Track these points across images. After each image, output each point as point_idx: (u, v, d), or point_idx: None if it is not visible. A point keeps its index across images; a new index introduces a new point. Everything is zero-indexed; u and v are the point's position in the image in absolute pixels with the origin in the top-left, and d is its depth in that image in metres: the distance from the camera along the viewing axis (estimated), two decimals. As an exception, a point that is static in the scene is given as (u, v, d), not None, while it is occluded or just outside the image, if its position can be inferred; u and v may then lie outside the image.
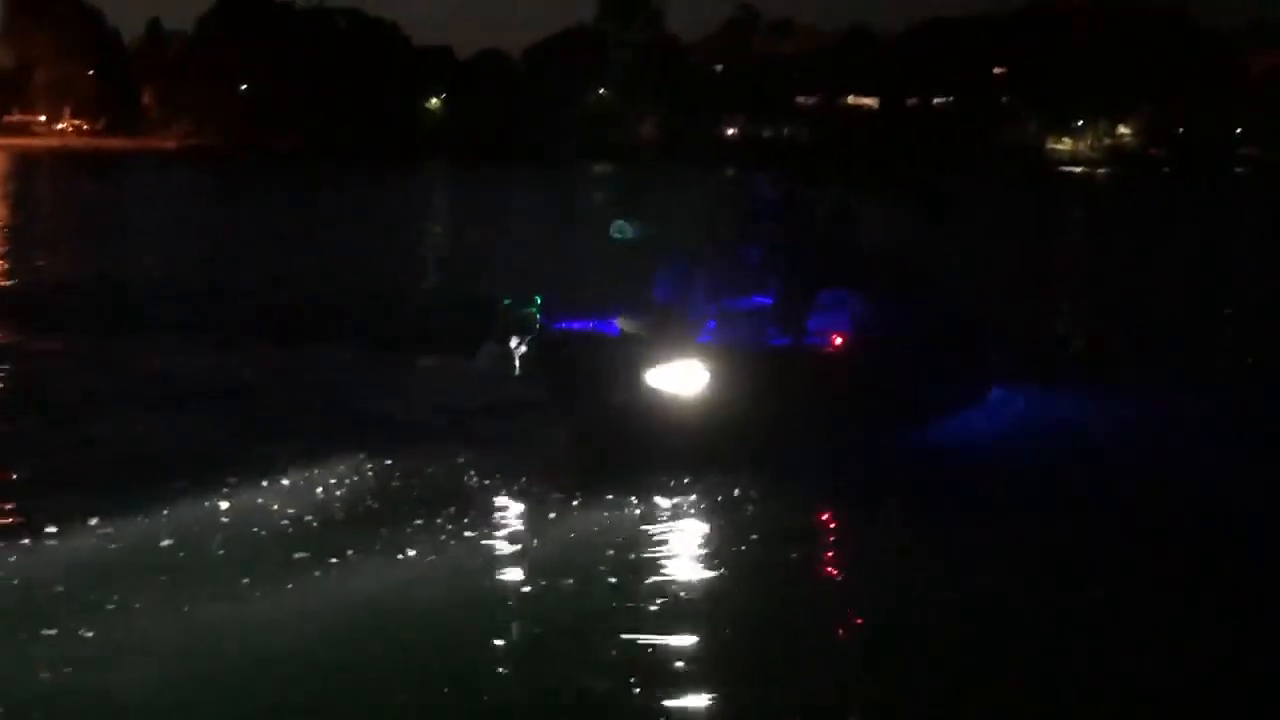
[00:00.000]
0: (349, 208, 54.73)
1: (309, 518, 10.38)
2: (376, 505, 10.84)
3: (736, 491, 11.39)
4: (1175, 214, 61.88)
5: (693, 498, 11.37)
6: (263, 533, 10.07)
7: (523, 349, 12.07)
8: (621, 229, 13.85)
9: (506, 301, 12.40)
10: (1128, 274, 33.39)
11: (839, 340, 12.92)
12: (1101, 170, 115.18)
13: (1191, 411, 15.45)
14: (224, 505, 10.65)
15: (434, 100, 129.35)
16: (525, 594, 9.36)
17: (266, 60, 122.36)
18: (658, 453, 12.00)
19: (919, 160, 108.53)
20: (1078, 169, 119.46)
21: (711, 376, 12.04)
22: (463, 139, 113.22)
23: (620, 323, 12.95)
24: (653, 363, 12.09)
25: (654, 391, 12.07)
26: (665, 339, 12.38)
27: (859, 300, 13.43)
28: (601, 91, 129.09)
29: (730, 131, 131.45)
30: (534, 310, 12.31)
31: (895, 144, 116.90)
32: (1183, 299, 28.48)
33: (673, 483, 11.55)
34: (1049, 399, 15.52)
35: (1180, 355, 20.40)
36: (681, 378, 12.02)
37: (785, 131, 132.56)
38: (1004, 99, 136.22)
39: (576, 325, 13.00)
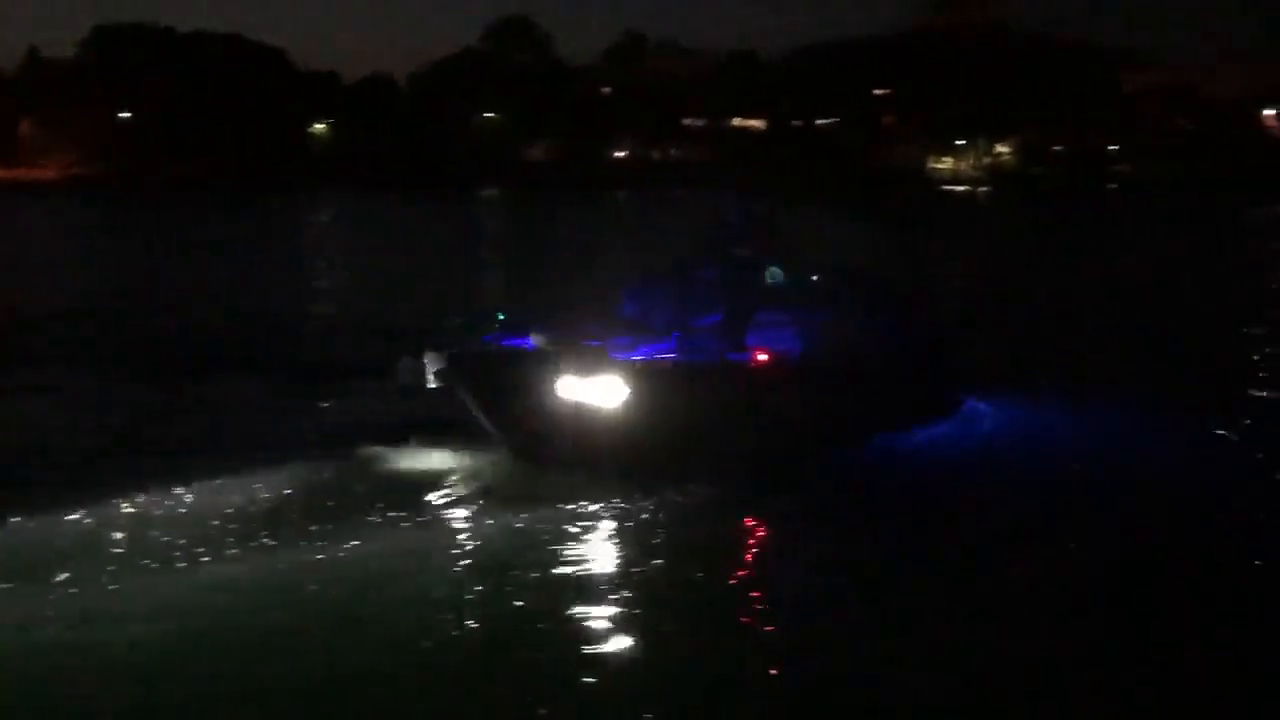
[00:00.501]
0: (239, 238, 54.04)
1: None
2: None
3: (647, 503, 11.67)
4: (1053, 229, 63.30)
5: (597, 507, 11.65)
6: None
7: (436, 364, 12.50)
8: (774, 274, 14.52)
9: (458, 321, 13.16)
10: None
11: (763, 357, 13.19)
12: (982, 189, 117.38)
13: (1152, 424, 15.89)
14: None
15: (320, 125, 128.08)
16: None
17: (149, 87, 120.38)
18: (577, 463, 12.38)
19: (805, 180, 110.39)
20: (959, 188, 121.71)
21: (632, 390, 12.39)
22: (351, 165, 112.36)
23: (535, 339, 13.16)
24: (573, 376, 12.38)
25: (574, 404, 12.40)
26: (585, 354, 12.62)
27: (801, 318, 13.75)
28: (490, 115, 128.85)
29: (620, 154, 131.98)
30: (494, 326, 13.09)
31: (781, 164, 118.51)
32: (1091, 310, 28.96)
33: (579, 493, 11.89)
34: (1015, 411, 15.87)
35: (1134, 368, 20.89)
36: (602, 391, 12.37)
37: (674, 153, 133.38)
38: (886, 120, 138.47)
39: (507, 341, 13.25)
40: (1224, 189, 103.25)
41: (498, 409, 12.80)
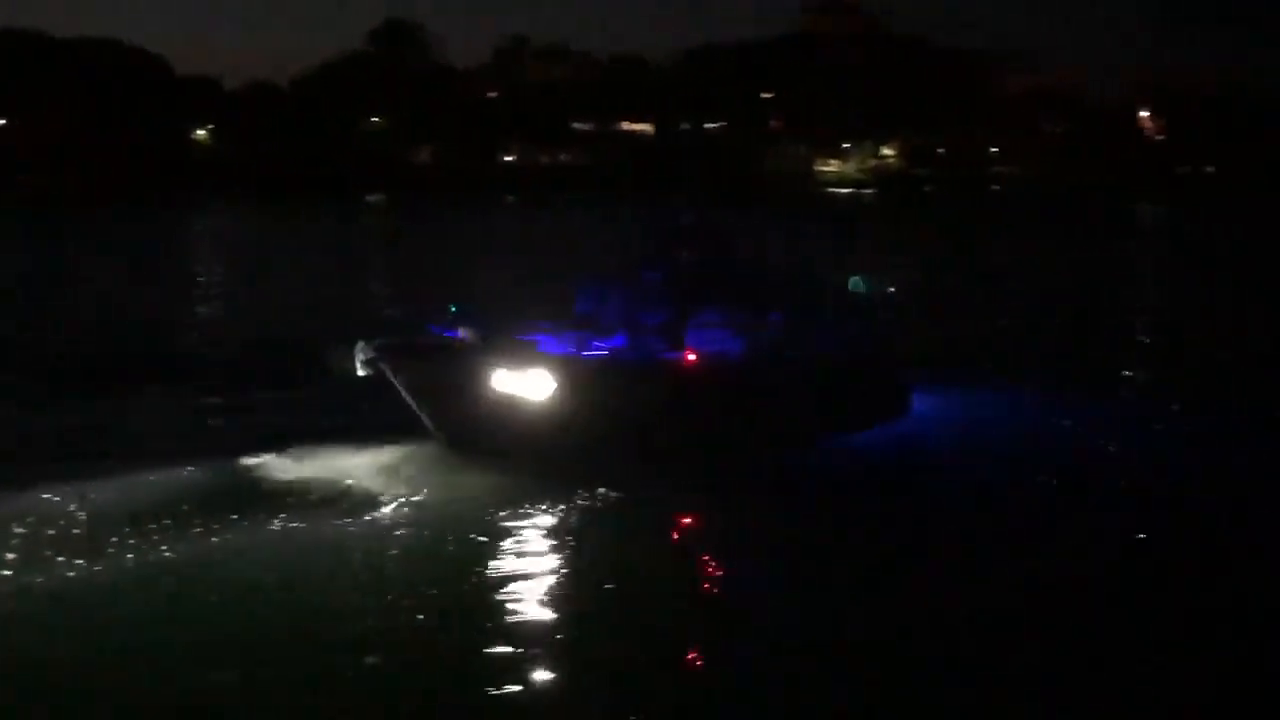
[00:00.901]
0: (120, 251, 52.78)
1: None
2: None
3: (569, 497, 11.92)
4: (942, 229, 64.19)
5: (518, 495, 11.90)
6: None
7: (365, 354, 12.88)
8: (856, 284, 15.32)
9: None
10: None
11: (692, 357, 13.44)
12: (868, 191, 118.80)
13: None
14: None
15: (201, 132, 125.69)
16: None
17: (18, 94, 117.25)
18: (507, 453, 12.72)
19: (694, 184, 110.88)
20: (845, 190, 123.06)
21: (559, 384, 12.71)
22: (233, 172, 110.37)
23: (464, 332, 13.38)
24: (504, 369, 12.71)
25: (505, 396, 12.71)
26: (515, 347, 12.99)
27: (738, 319, 14.00)
28: (376, 120, 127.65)
29: (508, 158, 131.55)
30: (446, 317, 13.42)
31: (669, 167, 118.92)
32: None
33: (473, 490, 12.13)
34: (958, 408, 16.37)
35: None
36: (531, 384, 12.68)
37: (563, 157, 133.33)
38: (773, 123, 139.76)
39: (449, 333, 13.48)
40: (1101, 189, 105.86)
41: (429, 399, 13.10)
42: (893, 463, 14.09)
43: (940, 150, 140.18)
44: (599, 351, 13.63)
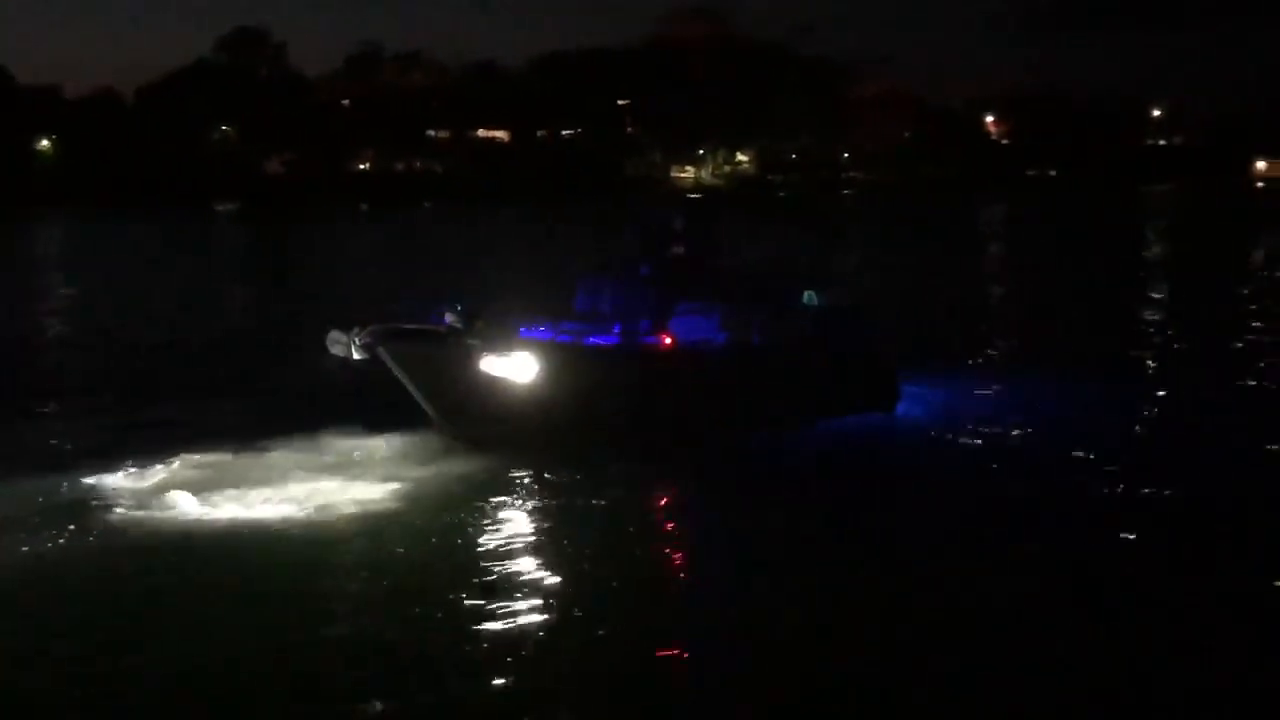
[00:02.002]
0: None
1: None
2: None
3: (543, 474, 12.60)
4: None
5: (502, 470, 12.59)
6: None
7: (360, 338, 13.36)
8: (810, 298, 15.87)
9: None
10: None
11: (668, 341, 14.28)
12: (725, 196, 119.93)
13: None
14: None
15: (45, 143, 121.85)
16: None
17: None
18: (495, 431, 13.47)
19: (554, 189, 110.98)
20: (701, 195, 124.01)
21: (542, 367, 13.37)
22: (79, 183, 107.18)
23: (449, 318, 13.75)
24: (492, 353, 13.35)
25: (493, 378, 13.36)
26: (502, 332, 13.63)
27: (719, 310, 14.80)
28: (225, 129, 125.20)
29: (362, 166, 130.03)
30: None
31: (528, 174, 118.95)
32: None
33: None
34: (945, 403, 16.67)
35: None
36: (515, 366, 13.35)
37: (418, 164, 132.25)
38: (629, 129, 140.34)
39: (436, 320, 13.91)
40: (948, 190, 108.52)
41: (423, 381, 13.72)
42: (869, 449, 14.59)
43: (794, 156, 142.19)
44: (584, 337, 14.40)
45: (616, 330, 14.45)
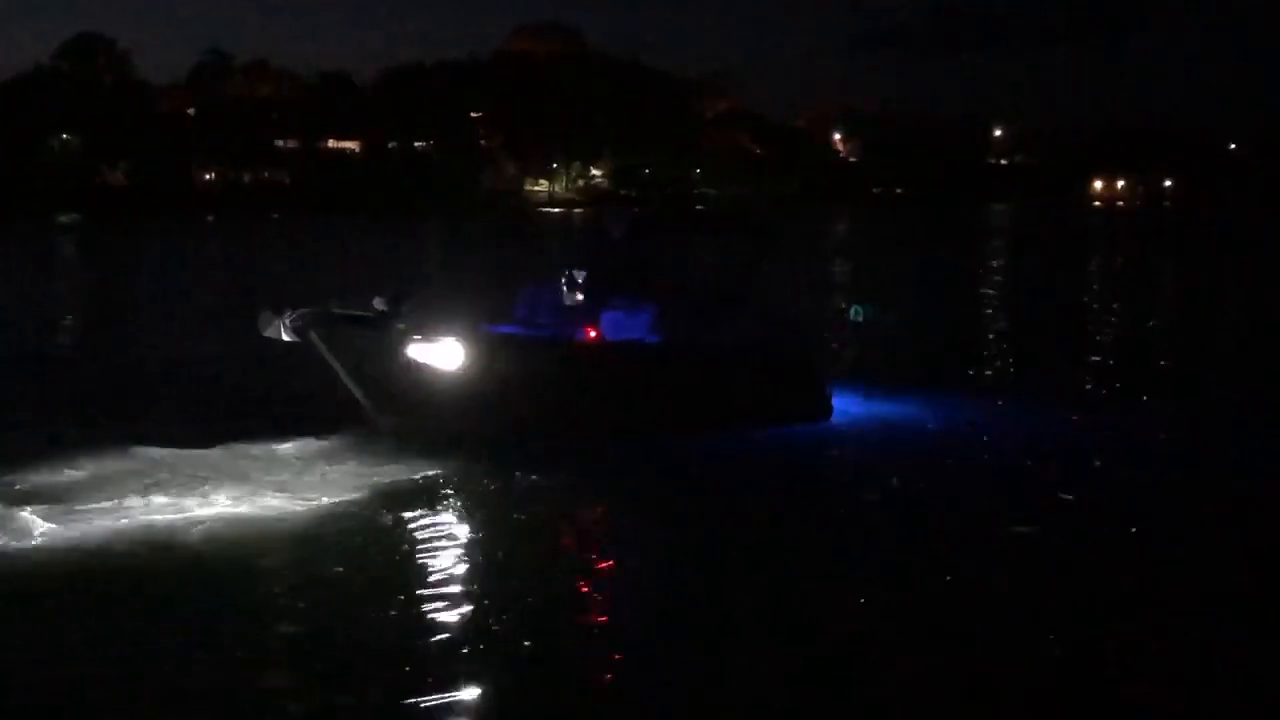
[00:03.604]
0: None
1: None
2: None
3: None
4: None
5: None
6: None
7: (291, 320, 13.29)
8: (857, 311, 16.18)
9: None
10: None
11: (591, 334, 14.38)
12: (578, 210, 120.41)
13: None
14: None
15: None
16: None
17: None
18: (421, 422, 13.56)
19: (406, 200, 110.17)
20: (555, 210, 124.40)
21: (468, 354, 13.49)
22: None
23: (377, 302, 13.76)
24: (419, 339, 13.43)
25: (419, 365, 13.46)
26: (429, 319, 13.67)
27: (651, 310, 14.86)
28: (67, 137, 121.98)
29: (208, 176, 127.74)
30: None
31: (379, 185, 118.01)
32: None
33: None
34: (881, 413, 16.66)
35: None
36: (441, 353, 13.45)
37: (265, 175, 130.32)
38: (483, 142, 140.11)
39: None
40: (794, 205, 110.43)
41: (351, 365, 13.70)
42: (800, 459, 14.61)
43: (647, 171, 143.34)
44: (512, 329, 14.57)
45: (542, 323, 14.71)
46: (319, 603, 9.45)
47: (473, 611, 9.33)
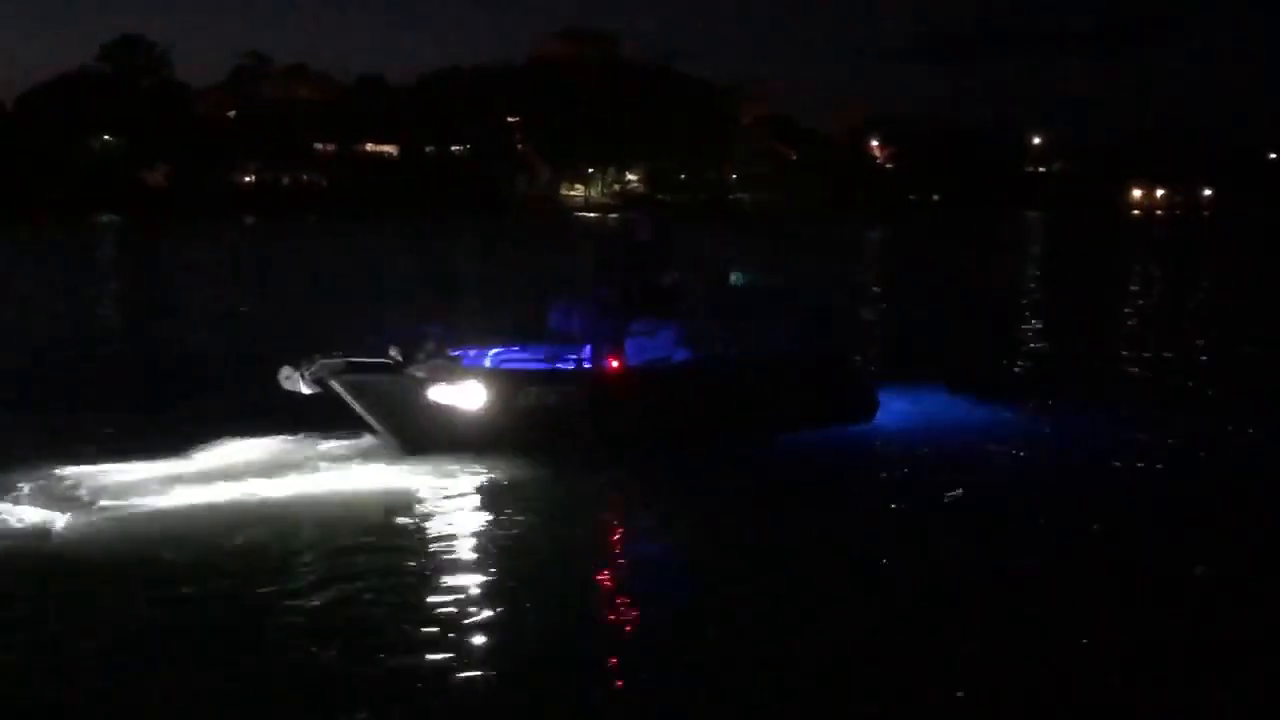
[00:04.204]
0: None
1: None
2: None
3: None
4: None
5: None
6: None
7: (310, 373, 13.75)
8: (738, 279, 15.92)
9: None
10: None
11: (615, 364, 14.55)
12: (613, 215, 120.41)
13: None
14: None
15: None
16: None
17: None
18: (444, 457, 13.79)
19: (441, 204, 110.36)
20: (591, 214, 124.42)
21: (489, 393, 13.95)
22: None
23: (392, 351, 14.17)
24: (441, 383, 13.87)
25: (443, 406, 13.89)
26: (446, 363, 14.10)
27: (673, 329, 15.01)
28: (107, 138, 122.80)
29: (246, 179, 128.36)
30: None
31: (415, 189, 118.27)
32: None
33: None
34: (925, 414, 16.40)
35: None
36: (464, 395, 13.91)
37: (304, 178, 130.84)
38: (518, 147, 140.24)
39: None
40: (831, 213, 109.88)
41: (380, 412, 14.15)
42: (844, 463, 14.51)
43: (682, 176, 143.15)
44: (524, 363, 14.85)
45: (570, 355, 14.79)
46: (334, 598, 9.56)
47: (500, 608, 9.46)
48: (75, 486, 12.44)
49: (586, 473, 13.55)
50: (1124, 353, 24.82)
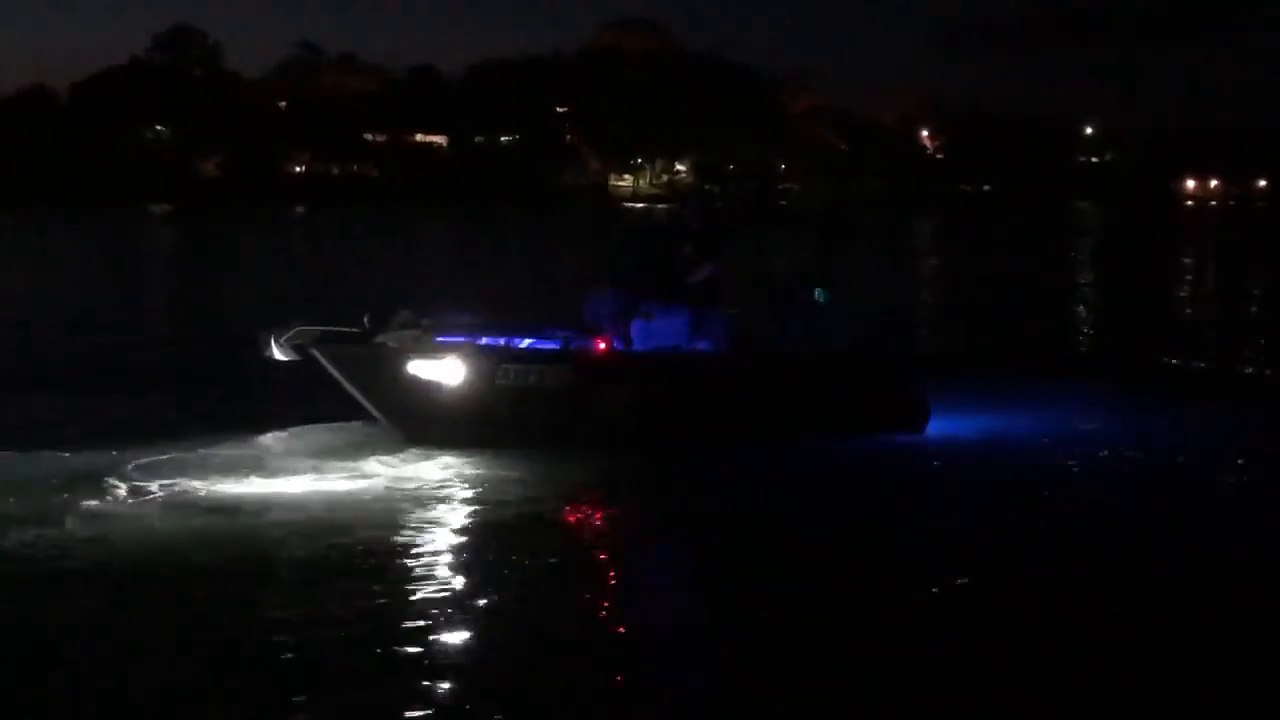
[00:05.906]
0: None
1: None
2: None
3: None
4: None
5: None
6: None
7: (287, 339, 13.50)
8: (821, 294, 14.93)
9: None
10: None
11: (602, 345, 13.89)
12: (661, 206, 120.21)
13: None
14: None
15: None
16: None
17: None
18: (437, 432, 13.53)
19: (491, 195, 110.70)
20: (639, 205, 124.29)
21: (469, 370, 13.52)
22: (7, 182, 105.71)
23: (366, 320, 13.88)
24: (419, 357, 13.51)
25: (424, 380, 13.52)
26: (425, 337, 13.68)
27: (686, 315, 14.05)
28: (160, 128, 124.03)
29: (298, 169, 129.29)
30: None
31: (465, 180, 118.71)
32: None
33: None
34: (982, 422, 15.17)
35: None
36: (443, 369, 13.53)
37: (355, 168, 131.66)
38: (568, 137, 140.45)
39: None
40: (882, 204, 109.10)
41: (360, 382, 13.80)
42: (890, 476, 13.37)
43: (731, 167, 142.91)
44: (514, 342, 14.16)
45: (556, 334, 14.19)
46: (329, 594, 9.36)
47: (496, 608, 9.25)
48: (112, 471, 12.41)
49: (588, 471, 12.92)
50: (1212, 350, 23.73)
